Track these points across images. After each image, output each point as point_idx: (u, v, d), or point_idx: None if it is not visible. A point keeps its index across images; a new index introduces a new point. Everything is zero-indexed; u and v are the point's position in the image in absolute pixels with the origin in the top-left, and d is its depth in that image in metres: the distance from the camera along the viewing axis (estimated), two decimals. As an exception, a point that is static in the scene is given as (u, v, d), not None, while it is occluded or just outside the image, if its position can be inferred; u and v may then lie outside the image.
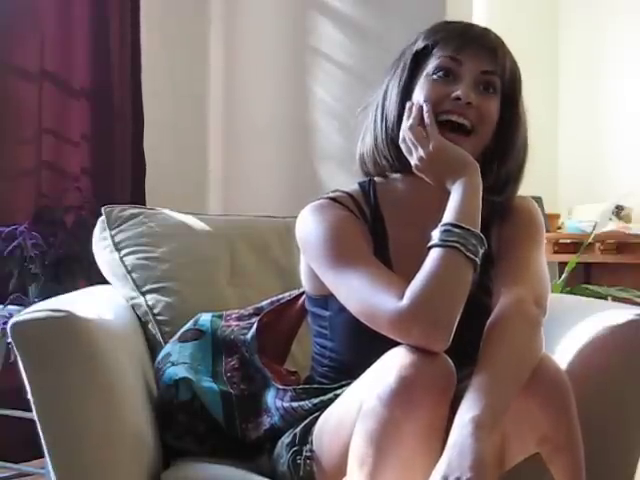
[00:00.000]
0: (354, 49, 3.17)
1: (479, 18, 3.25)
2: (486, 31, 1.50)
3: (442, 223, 1.36)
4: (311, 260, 1.50)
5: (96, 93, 3.13)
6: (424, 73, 1.47)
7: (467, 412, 1.21)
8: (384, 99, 1.52)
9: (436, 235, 1.35)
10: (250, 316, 1.71)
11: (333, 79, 3.22)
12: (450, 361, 1.27)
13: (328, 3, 3.24)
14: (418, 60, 1.49)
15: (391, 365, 1.25)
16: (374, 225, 1.53)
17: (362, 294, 1.37)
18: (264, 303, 1.73)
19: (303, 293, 1.66)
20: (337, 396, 1.41)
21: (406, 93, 1.48)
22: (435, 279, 1.31)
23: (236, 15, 3.39)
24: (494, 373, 1.26)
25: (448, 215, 1.38)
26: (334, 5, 3.22)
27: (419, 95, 1.46)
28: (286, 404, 1.50)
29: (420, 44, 1.49)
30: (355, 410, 1.28)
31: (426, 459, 1.22)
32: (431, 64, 1.47)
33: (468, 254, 1.33)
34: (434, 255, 1.33)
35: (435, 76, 1.46)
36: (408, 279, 1.37)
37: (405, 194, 1.54)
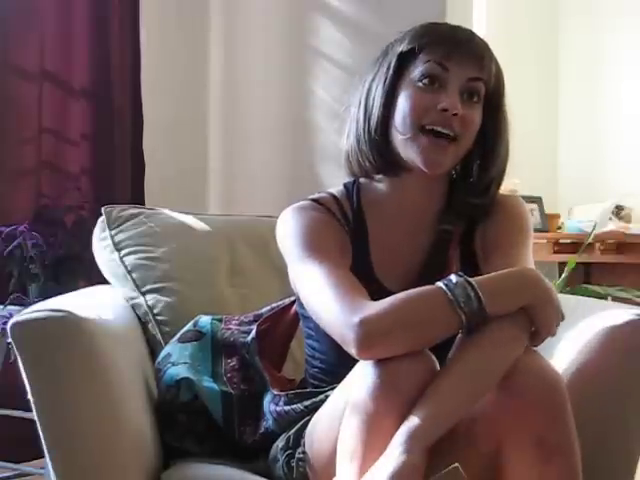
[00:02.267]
0: (354, 49, 3.17)
1: (479, 20, 3.26)
2: (472, 35, 1.49)
3: (464, 274, 1.30)
4: (285, 256, 1.51)
5: (96, 93, 3.13)
6: (409, 77, 1.46)
7: (408, 419, 1.21)
8: (367, 99, 1.50)
9: (450, 278, 1.29)
10: (250, 323, 1.70)
11: (333, 79, 3.22)
12: (433, 357, 1.27)
13: (328, 3, 3.24)
14: (402, 61, 1.47)
15: (374, 362, 1.26)
16: (355, 226, 1.52)
17: (319, 299, 1.37)
18: (264, 310, 1.73)
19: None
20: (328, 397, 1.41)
21: (391, 96, 1.47)
22: (405, 312, 1.28)
23: (236, 15, 3.39)
24: (450, 380, 1.25)
25: (482, 276, 1.32)
26: (334, 5, 3.22)
27: (404, 103, 1.45)
28: (279, 408, 1.50)
29: (406, 46, 1.47)
30: (342, 408, 1.28)
31: None
32: (417, 68, 1.45)
33: (459, 313, 1.27)
34: (427, 291, 1.29)
35: (421, 83, 1.44)
36: (388, 279, 1.44)
37: (388, 195, 1.54)
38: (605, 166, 3.95)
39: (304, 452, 1.41)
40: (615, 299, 2.76)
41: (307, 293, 1.43)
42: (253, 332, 1.64)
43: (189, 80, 3.37)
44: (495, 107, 1.49)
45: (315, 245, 1.45)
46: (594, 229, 3.19)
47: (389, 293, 1.39)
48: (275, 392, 1.54)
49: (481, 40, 1.49)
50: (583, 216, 3.70)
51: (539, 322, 1.30)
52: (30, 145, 2.94)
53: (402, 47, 1.47)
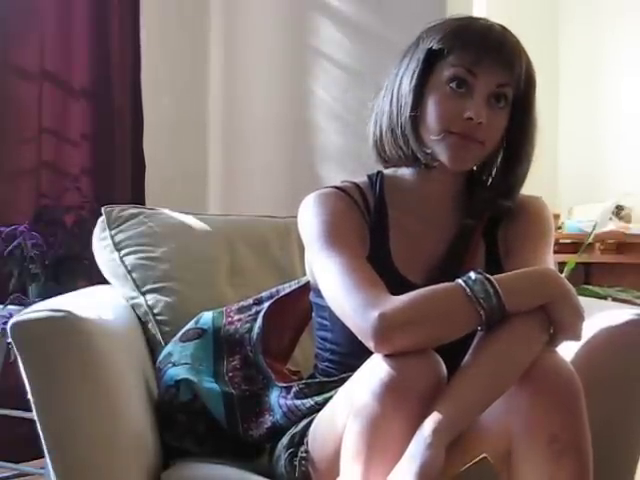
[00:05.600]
0: (354, 49, 3.17)
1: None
2: (504, 38, 1.46)
3: (484, 272, 1.30)
4: (305, 245, 1.52)
5: (96, 93, 3.13)
6: (437, 77, 1.45)
7: (431, 414, 1.21)
8: (397, 93, 1.49)
9: (469, 274, 1.30)
10: (250, 307, 1.71)
11: (333, 79, 3.22)
12: (439, 359, 1.27)
13: (328, 3, 3.24)
14: (431, 58, 1.46)
15: (381, 363, 1.26)
16: (376, 215, 1.53)
17: (338, 290, 1.37)
18: (264, 294, 1.73)
19: (304, 286, 1.67)
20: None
21: (419, 94, 1.46)
22: (424, 306, 1.28)
23: (236, 15, 3.39)
24: (471, 376, 1.26)
25: (499, 274, 1.33)
26: (334, 5, 3.22)
27: (432, 107, 1.44)
28: (289, 402, 1.50)
29: (435, 44, 1.45)
30: (346, 408, 1.28)
31: None
32: (445, 71, 1.44)
33: (479, 309, 1.28)
34: (446, 287, 1.30)
35: (448, 87, 1.43)
36: (407, 269, 1.45)
37: (410, 186, 1.55)
38: (605, 166, 3.94)
39: (307, 451, 1.41)
40: (615, 300, 2.75)
41: (326, 283, 1.43)
42: (259, 322, 1.64)
43: (189, 80, 3.37)
44: (523, 110, 1.49)
45: (335, 235, 1.45)
46: (594, 229, 3.18)
47: (408, 283, 1.42)
48: (282, 385, 1.54)
49: (513, 42, 1.46)
50: (583, 216, 3.70)
51: (557, 322, 1.32)
52: (30, 145, 2.94)
53: (432, 44, 1.46)
